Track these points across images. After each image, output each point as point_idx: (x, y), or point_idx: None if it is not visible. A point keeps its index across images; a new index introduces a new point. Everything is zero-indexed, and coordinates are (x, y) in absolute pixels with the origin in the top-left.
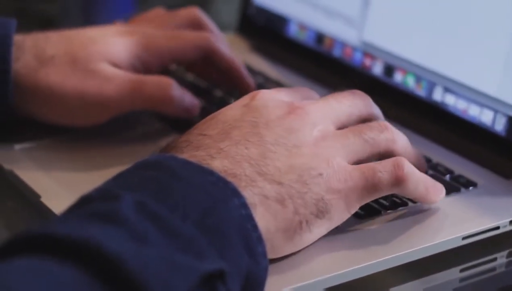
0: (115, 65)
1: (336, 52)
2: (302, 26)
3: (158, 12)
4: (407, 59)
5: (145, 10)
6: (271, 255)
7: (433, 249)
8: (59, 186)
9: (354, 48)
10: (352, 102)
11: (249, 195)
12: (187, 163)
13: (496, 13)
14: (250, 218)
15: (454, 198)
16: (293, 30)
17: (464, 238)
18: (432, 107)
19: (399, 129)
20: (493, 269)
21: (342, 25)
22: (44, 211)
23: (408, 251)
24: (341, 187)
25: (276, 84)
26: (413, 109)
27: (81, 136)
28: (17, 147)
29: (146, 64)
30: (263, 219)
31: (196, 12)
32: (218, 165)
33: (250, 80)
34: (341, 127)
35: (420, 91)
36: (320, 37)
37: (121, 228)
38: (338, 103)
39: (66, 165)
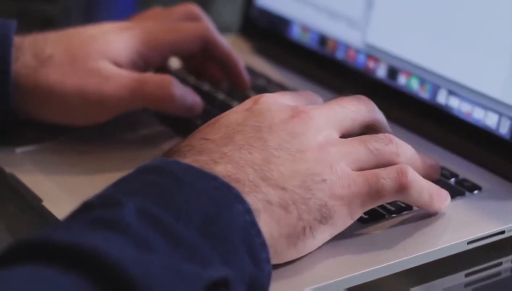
0: (115, 62)
1: (339, 54)
2: (305, 28)
3: (155, 10)
4: (411, 62)
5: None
6: (274, 261)
7: (438, 254)
8: (60, 190)
9: (358, 51)
10: (356, 108)
11: (253, 200)
12: (190, 168)
13: (500, 16)
14: (254, 224)
15: (459, 202)
16: (295, 32)
17: (469, 243)
18: (436, 110)
19: (403, 132)
20: (498, 273)
21: (345, 27)
22: (46, 215)
23: (413, 256)
24: (344, 193)
25: (279, 86)
26: (417, 112)
27: (83, 139)
28: (19, 150)
29: (146, 58)
30: (267, 225)
31: (193, 7)
32: (221, 169)
33: (246, 74)
34: (345, 133)
35: (424, 94)
36: (323, 39)
37: (123, 235)
38: (342, 108)
39: (68, 168)
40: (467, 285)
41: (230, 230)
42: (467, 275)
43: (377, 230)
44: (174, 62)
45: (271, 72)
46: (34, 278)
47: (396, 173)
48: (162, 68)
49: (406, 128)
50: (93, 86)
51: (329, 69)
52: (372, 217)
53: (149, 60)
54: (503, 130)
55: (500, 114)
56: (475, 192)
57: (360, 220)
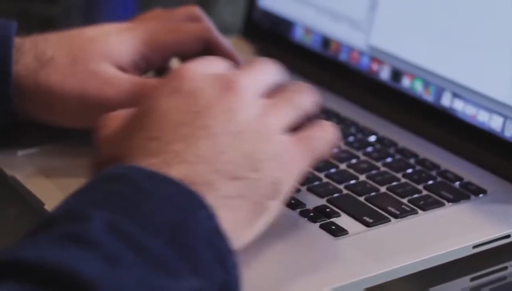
0: (117, 64)
1: (343, 56)
2: (308, 30)
3: (156, 12)
4: (415, 64)
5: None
6: (237, 248)
7: (443, 258)
8: (62, 193)
9: (361, 53)
10: (269, 70)
11: (212, 200)
12: (152, 174)
13: (505, 18)
14: (218, 230)
15: (464, 206)
16: (298, 34)
17: (474, 247)
18: (441, 113)
19: (407, 135)
20: (504, 278)
21: (349, 29)
22: None
23: (418, 260)
24: (288, 163)
25: None
26: (421, 115)
27: (85, 142)
28: (20, 152)
29: (148, 59)
30: (227, 219)
31: (195, 9)
32: (176, 172)
33: None
34: (265, 96)
35: (428, 97)
36: (326, 41)
37: (93, 250)
38: (262, 73)
39: (70, 171)
40: (472, 289)
41: (197, 239)
42: (472, 279)
43: (382, 234)
44: (175, 63)
45: None
46: None
47: (325, 131)
48: (163, 69)
49: (410, 131)
50: (94, 89)
51: (332, 71)
52: (376, 220)
53: (151, 61)
54: (508, 133)
55: (505, 117)
56: (480, 195)
57: (365, 223)
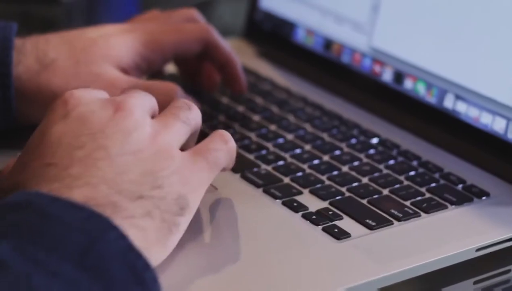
0: (119, 65)
1: (345, 58)
2: (310, 32)
3: (154, 13)
4: (418, 66)
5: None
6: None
7: (446, 261)
8: None
9: (363, 55)
10: (147, 94)
11: (119, 222)
12: (56, 200)
13: (508, 20)
14: (131, 248)
15: (467, 208)
16: (300, 36)
17: (477, 250)
18: (443, 115)
19: (409, 137)
20: (507, 281)
21: (351, 31)
22: None
23: (420, 263)
24: (190, 178)
25: (284, 90)
26: (423, 117)
27: None
28: None
29: (148, 61)
30: (138, 239)
31: (193, 12)
32: (78, 195)
33: (244, 78)
34: (153, 116)
35: (431, 99)
36: (328, 43)
37: (2, 276)
38: (144, 95)
39: None
40: None
41: (108, 260)
42: (475, 282)
43: (384, 237)
44: (170, 67)
45: (276, 76)
46: None
47: (222, 141)
48: (158, 72)
49: (412, 133)
50: None
51: (334, 73)
52: (379, 222)
53: (151, 62)
54: (511, 136)
55: (508, 119)
56: (483, 198)
57: (367, 226)
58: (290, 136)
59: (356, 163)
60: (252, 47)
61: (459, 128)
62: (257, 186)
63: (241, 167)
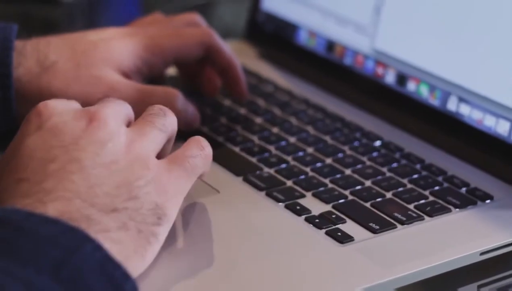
0: (120, 69)
1: (348, 60)
2: (312, 34)
3: (156, 16)
4: (421, 68)
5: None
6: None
7: (450, 265)
8: None
9: (366, 57)
10: (122, 102)
11: (94, 236)
12: (30, 215)
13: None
14: (108, 259)
15: (471, 212)
16: (303, 38)
17: (482, 254)
18: (447, 118)
19: (412, 140)
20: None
21: (354, 33)
22: None
23: (424, 267)
24: (167, 186)
25: (286, 92)
26: (426, 120)
27: None
28: None
29: (149, 65)
30: (114, 253)
31: (195, 16)
32: (52, 210)
33: (245, 82)
34: (128, 124)
35: (434, 101)
36: (330, 45)
37: None
38: (118, 104)
39: None
40: None
41: (84, 272)
42: (479, 286)
43: (387, 241)
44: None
45: (278, 78)
46: None
47: (198, 148)
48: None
49: (415, 136)
50: (98, 95)
51: (336, 75)
52: (382, 226)
53: (153, 66)
54: None
55: None
56: (487, 201)
57: (371, 229)
58: (292, 139)
59: (359, 166)
60: (254, 49)
61: (462, 131)
62: (260, 189)
63: (243, 170)
